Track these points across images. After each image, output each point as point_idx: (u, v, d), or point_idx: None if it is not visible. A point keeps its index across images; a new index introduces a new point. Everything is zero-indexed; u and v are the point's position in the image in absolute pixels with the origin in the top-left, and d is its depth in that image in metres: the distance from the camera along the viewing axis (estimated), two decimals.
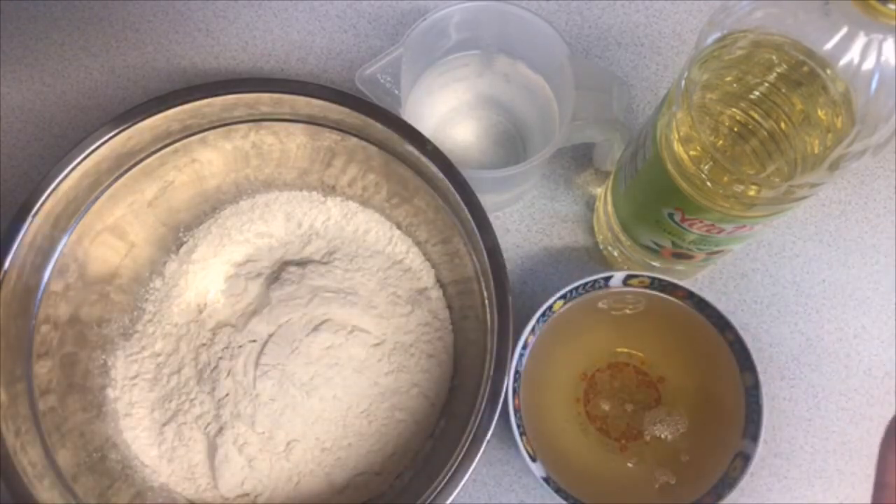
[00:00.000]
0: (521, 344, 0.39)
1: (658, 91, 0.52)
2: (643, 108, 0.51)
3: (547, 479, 0.38)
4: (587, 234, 0.49)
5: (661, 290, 0.41)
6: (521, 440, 0.38)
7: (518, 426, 0.38)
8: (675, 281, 0.40)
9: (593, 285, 0.41)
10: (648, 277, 0.41)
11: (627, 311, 0.43)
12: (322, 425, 0.41)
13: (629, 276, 0.41)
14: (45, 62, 0.52)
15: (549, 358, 0.42)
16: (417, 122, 0.40)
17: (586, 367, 0.44)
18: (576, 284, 0.40)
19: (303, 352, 0.41)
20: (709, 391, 0.42)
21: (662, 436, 0.42)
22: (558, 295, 0.40)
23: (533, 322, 0.39)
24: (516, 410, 0.38)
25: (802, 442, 0.45)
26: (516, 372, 0.38)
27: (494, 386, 0.36)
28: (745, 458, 0.38)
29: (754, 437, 0.38)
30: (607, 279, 0.41)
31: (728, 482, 0.38)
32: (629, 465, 0.42)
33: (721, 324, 0.40)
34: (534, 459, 0.38)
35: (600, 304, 0.43)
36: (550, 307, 0.40)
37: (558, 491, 0.38)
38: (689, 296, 0.40)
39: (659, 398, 0.43)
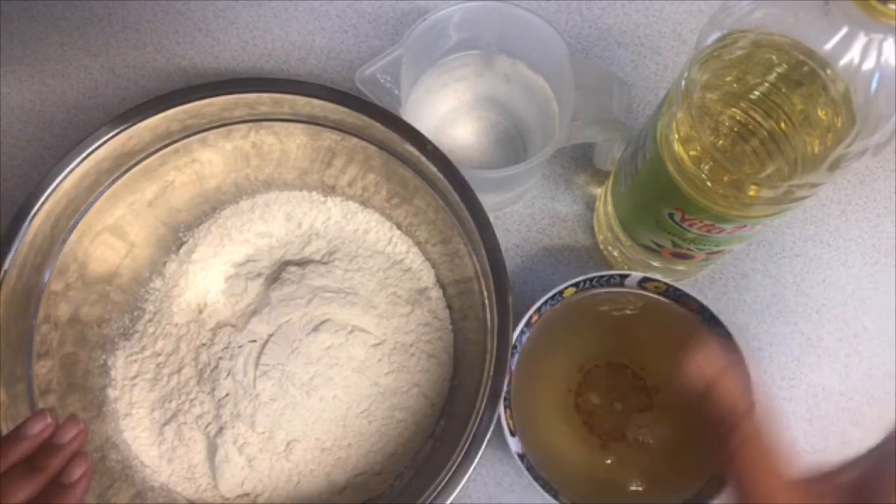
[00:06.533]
0: (524, 321, 0.39)
1: (658, 91, 0.52)
2: (643, 108, 0.51)
3: (521, 456, 0.38)
4: (587, 234, 0.49)
5: (675, 300, 0.41)
6: (505, 413, 0.38)
7: (505, 399, 0.38)
8: (690, 292, 0.40)
9: (608, 280, 0.41)
10: (664, 284, 0.40)
11: (635, 314, 0.43)
12: (322, 425, 0.41)
13: (645, 279, 0.41)
14: (45, 62, 0.52)
15: (550, 342, 0.42)
16: (417, 122, 0.40)
17: (585, 360, 0.44)
18: (590, 276, 0.40)
19: (303, 352, 0.41)
20: (701, 409, 0.42)
21: (645, 441, 0.42)
22: (571, 282, 0.40)
23: (540, 303, 0.39)
24: (507, 382, 0.38)
25: (802, 442, 0.45)
26: (514, 346, 0.38)
27: (494, 386, 0.36)
28: (720, 483, 0.38)
29: None
30: (623, 276, 0.41)
31: (700, 500, 0.38)
32: (607, 462, 0.42)
33: (729, 346, 0.40)
34: (513, 434, 0.38)
35: (609, 303, 0.43)
36: (561, 292, 0.40)
37: (530, 469, 0.38)
38: (701, 310, 0.40)
39: (650, 405, 0.43)
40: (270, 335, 0.42)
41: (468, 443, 0.35)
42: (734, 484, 0.26)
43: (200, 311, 0.44)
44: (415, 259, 0.45)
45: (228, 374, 0.42)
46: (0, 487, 0.29)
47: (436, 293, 0.45)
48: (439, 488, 0.35)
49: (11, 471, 0.30)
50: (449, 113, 0.49)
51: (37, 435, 0.31)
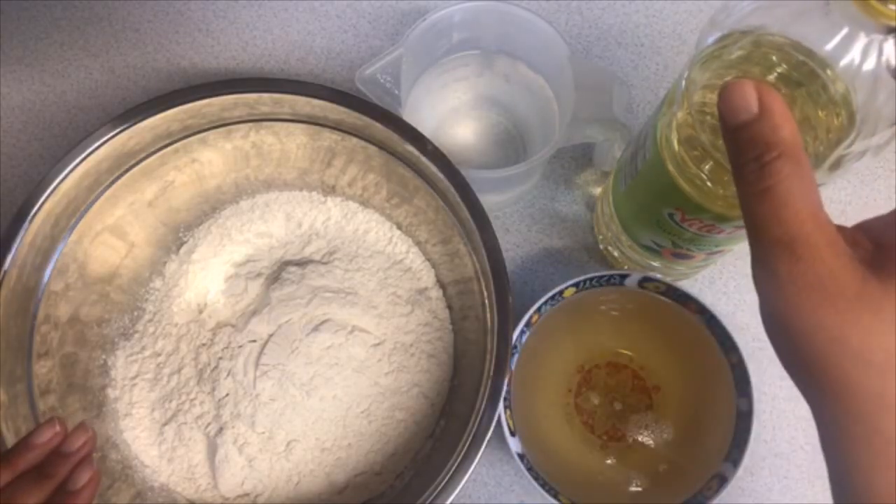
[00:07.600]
0: (524, 321, 0.39)
1: (658, 91, 0.52)
2: (643, 108, 0.51)
3: (522, 456, 0.38)
4: (587, 234, 0.49)
5: (675, 300, 0.41)
6: (505, 413, 0.38)
7: (505, 398, 0.38)
8: (690, 292, 0.40)
9: (609, 280, 0.41)
10: (664, 284, 0.40)
11: (635, 315, 0.43)
12: (322, 425, 0.41)
13: (645, 279, 0.41)
14: (45, 62, 0.52)
15: (550, 342, 0.42)
16: (417, 122, 0.40)
17: (585, 360, 0.44)
18: (591, 276, 0.40)
19: (303, 352, 0.41)
20: (701, 408, 0.42)
21: (645, 441, 0.42)
22: (571, 282, 0.40)
23: (540, 303, 0.39)
24: (507, 382, 0.38)
25: (802, 442, 0.45)
26: (514, 346, 0.38)
27: (494, 386, 0.36)
28: (721, 480, 0.38)
29: (735, 462, 0.38)
30: (623, 276, 0.41)
31: (700, 500, 0.38)
32: (607, 462, 0.42)
33: (728, 345, 0.40)
34: (513, 434, 0.38)
35: (609, 303, 0.43)
36: (561, 292, 0.40)
37: (530, 469, 0.38)
38: (702, 311, 0.40)
39: (650, 405, 0.43)
40: (270, 335, 0.42)
41: (468, 443, 0.35)
42: (755, 224, 0.24)
43: (200, 311, 0.44)
44: (415, 259, 0.45)
45: (228, 374, 0.42)
46: (10, 496, 0.29)
47: (436, 293, 0.45)
48: (439, 488, 0.35)
49: (21, 479, 0.30)
50: (449, 113, 0.49)
51: (46, 443, 0.31)
